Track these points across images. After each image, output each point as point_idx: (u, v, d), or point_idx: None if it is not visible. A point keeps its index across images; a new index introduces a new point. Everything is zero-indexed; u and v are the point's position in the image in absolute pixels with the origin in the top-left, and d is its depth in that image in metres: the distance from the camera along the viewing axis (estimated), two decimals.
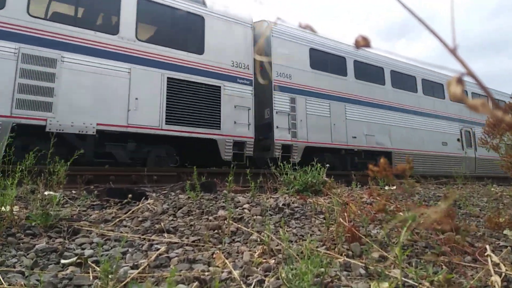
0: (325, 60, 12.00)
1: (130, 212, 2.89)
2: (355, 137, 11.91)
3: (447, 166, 14.24)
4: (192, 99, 8.87)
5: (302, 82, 11.13)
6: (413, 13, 0.55)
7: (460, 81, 0.50)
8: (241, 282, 1.55)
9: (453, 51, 0.52)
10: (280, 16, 0.66)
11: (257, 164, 10.77)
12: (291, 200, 3.53)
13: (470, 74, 0.51)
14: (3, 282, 1.48)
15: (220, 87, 9.40)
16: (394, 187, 4.10)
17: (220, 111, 9.28)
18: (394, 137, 13.10)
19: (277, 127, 10.28)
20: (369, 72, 13.22)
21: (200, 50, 9.33)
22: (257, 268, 1.76)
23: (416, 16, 0.55)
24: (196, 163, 4.47)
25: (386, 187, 4.45)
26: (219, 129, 9.18)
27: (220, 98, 9.35)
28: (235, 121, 9.52)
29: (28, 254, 1.88)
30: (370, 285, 1.57)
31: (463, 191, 5.18)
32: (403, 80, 14.17)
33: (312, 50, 11.68)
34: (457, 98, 0.51)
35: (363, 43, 0.59)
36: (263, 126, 10.69)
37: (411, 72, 14.57)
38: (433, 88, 15.35)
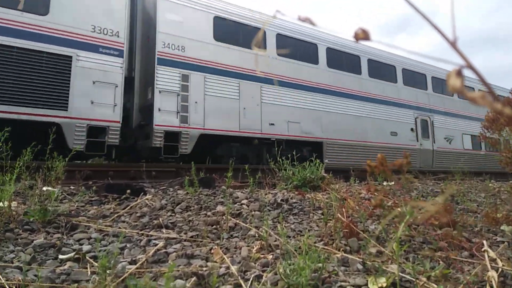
0: (236, 32, 10.02)
1: (129, 207, 2.89)
2: (272, 124, 10.01)
3: (396, 159, 12.94)
4: (27, 71, 6.98)
5: (200, 56, 9.13)
6: (414, 7, 0.54)
7: (459, 73, 0.50)
8: (239, 278, 1.56)
9: (453, 44, 0.51)
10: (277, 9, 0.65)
11: (142, 155, 9.23)
12: (290, 196, 3.54)
13: (470, 67, 0.51)
14: (1, 277, 1.48)
15: (71, 57, 7.46)
16: (393, 183, 4.11)
17: (68, 87, 7.33)
18: (327, 125, 11.17)
19: (159, 109, 8.33)
20: (298, 48, 11.19)
21: (43, 9, 7.38)
22: (255, 263, 1.77)
23: (417, 9, 0.54)
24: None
25: (385, 183, 4.46)
26: (66, 110, 7.28)
27: (70, 71, 7.40)
28: (93, 101, 7.58)
29: (26, 250, 1.88)
30: (367, 280, 1.58)
31: (461, 187, 5.20)
32: (343, 60, 12.18)
33: (217, 19, 9.66)
34: (456, 91, 0.51)
35: (362, 36, 0.59)
36: (146, 109, 8.90)
37: (354, 51, 12.45)
38: (382, 71, 13.33)
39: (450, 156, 14.34)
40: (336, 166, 9.96)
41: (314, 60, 11.45)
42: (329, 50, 11.79)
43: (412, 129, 13.54)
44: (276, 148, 5.12)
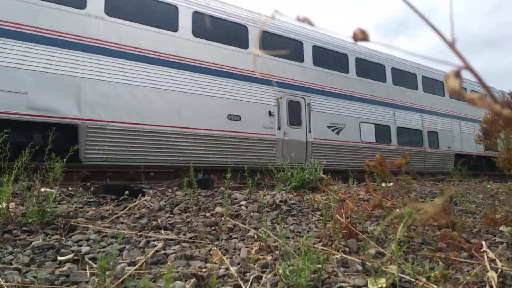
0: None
1: (127, 209, 2.89)
2: None
3: (242, 153, 9.15)
4: None
5: None
6: (413, 8, 0.55)
7: (458, 75, 0.50)
8: (239, 279, 1.55)
9: (451, 45, 0.52)
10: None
11: None
12: (288, 197, 3.54)
13: (468, 68, 0.51)
14: (0, 279, 1.48)
15: None
16: (391, 184, 4.12)
17: None
18: (92, 99, 7.36)
19: None
20: None
21: None
22: (254, 264, 1.77)
23: (416, 10, 0.54)
24: None
25: (383, 184, 4.47)
26: None
27: None
28: None
29: (24, 251, 1.87)
30: (367, 281, 1.58)
31: (459, 188, 5.21)
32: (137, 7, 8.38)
33: None
34: (455, 93, 0.51)
35: (361, 36, 0.59)
36: None
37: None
38: (217, 27, 9.44)
39: (331, 149, 10.91)
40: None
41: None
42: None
43: (270, 113, 9.82)
44: None
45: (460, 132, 15.38)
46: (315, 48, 11.30)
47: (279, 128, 9.94)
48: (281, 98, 10.14)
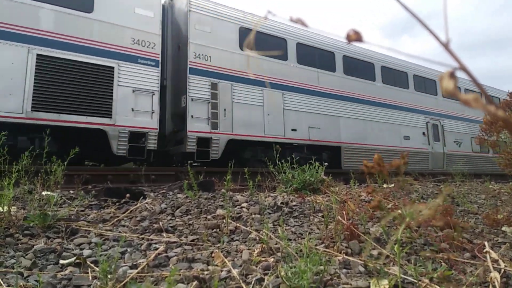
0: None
1: (128, 211, 2.88)
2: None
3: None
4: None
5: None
6: (406, 8, 0.54)
7: (453, 75, 0.50)
8: (241, 281, 1.55)
9: (445, 45, 0.51)
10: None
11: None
12: (290, 199, 3.53)
13: (463, 68, 0.51)
14: (2, 283, 1.47)
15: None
16: (392, 185, 4.11)
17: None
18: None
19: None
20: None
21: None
22: (256, 266, 1.76)
23: (410, 11, 0.54)
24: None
25: (385, 185, 4.46)
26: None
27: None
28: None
29: (26, 255, 1.87)
30: (369, 282, 1.57)
31: (461, 188, 5.20)
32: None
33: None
34: (449, 93, 0.51)
35: (354, 37, 0.59)
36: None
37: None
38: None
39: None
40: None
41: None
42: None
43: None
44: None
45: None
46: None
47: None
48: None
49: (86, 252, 1.92)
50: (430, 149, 13.70)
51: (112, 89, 7.72)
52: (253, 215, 2.83)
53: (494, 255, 1.69)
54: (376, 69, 12.87)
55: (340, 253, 1.97)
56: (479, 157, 15.38)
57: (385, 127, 12.56)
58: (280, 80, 10.24)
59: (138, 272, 1.64)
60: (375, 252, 1.98)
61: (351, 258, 1.86)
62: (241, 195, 3.70)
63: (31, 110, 6.91)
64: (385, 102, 12.87)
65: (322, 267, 1.56)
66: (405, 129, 13.11)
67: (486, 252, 1.71)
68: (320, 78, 11.28)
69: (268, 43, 10.18)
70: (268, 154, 9.02)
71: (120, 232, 2.36)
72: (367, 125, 12.10)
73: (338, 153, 11.10)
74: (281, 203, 3.31)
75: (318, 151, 10.46)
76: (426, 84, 14.64)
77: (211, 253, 1.97)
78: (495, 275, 1.43)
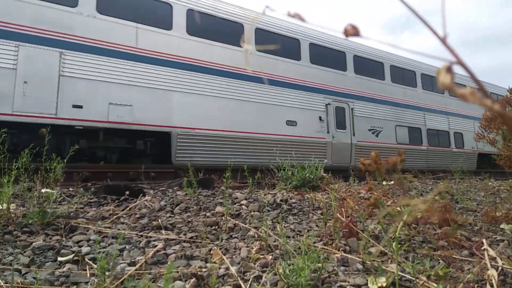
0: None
1: (128, 209, 2.89)
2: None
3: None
4: None
5: None
6: (406, 4, 0.54)
7: (450, 70, 0.49)
8: (238, 278, 1.55)
9: (443, 40, 0.51)
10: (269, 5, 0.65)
11: None
12: (289, 196, 3.53)
13: (460, 63, 0.51)
14: (0, 280, 1.48)
15: None
16: (392, 182, 4.11)
17: None
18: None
19: None
20: None
21: None
22: (254, 264, 1.76)
23: (409, 6, 0.54)
24: None
25: (384, 182, 4.46)
26: None
27: None
28: None
29: (25, 252, 1.88)
30: (367, 280, 1.57)
31: (460, 186, 5.20)
32: None
33: None
34: (446, 88, 0.50)
35: (352, 32, 0.59)
36: None
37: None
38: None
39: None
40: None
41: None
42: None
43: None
44: None
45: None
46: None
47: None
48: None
49: (85, 249, 1.92)
50: (329, 139, 10.90)
51: None
52: (252, 213, 2.83)
53: (492, 252, 1.69)
54: (245, 31, 9.61)
55: (339, 250, 1.98)
56: (408, 150, 12.56)
57: (255, 108, 9.58)
58: (57, 34, 7.24)
59: (136, 269, 1.65)
60: (373, 250, 1.99)
61: (349, 256, 1.86)
62: (241, 193, 3.70)
63: None
64: (258, 75, 9.79)
65: (320, 265, 1.56)
66: (291, 112, 10.19)
67: (484, 249, 1.71)
68: (140, 36, 8.20)
69: None
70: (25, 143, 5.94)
71: (119, 229, 2.36)
72: (217, 103, 8.99)
73: (167, 142, 8.36)
74: (281, 200, 3.31)
75: (130, 138, 8.02)
76: (329, 56, 11.67)
77: (210, 250, 1.97)
78: (492, 273, 1.43)
